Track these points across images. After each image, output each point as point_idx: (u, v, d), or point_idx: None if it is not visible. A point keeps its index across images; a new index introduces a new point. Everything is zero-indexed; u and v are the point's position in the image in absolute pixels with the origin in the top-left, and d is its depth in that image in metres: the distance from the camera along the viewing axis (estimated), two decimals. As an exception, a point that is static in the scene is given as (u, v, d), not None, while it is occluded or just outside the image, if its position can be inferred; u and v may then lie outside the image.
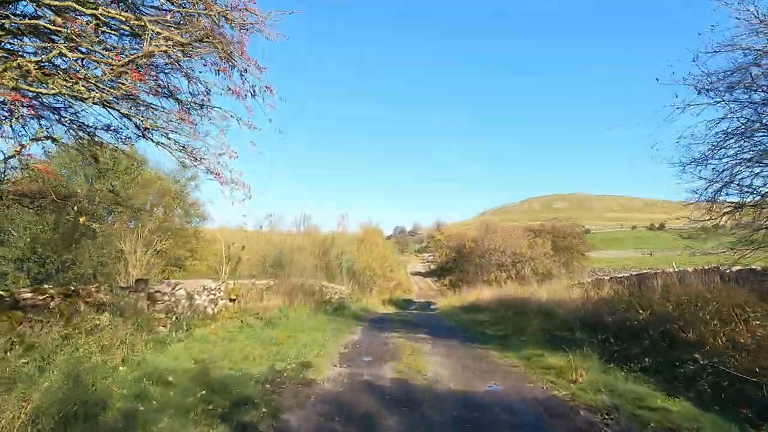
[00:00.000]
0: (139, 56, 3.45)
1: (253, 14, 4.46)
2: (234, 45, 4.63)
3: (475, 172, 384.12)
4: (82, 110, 4.76)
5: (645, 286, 10.10)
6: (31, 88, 3.29)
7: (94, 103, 3.67)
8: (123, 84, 3.38)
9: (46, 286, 6.17)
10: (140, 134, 4.95)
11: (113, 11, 3.54)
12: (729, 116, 7.27)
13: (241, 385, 5.65)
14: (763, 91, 6.90)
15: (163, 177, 19.83)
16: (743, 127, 7.18)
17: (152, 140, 4.86)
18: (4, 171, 5.03)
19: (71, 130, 5.35)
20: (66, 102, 4.62)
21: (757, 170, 7.02)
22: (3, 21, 3.35)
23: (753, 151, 7.16)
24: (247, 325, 10.11)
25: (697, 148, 7.50)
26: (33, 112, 4.09)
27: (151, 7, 4.28)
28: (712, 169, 7.33)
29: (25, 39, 3.58)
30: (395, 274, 49.74)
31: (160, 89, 4.79)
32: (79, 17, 3.36)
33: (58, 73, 3.35)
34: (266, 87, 5.00)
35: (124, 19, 3.59)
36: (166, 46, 3.57)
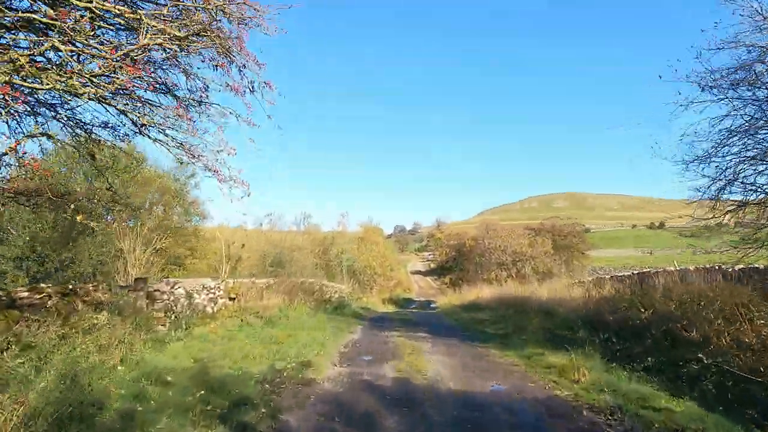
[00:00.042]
0: (134, 49, 3.38)
1: (252, 8, 4.40)
2: (232, 40, 4.56)
3: (475, 172, 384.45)
4: (78, 106, 4.70)
5: (646, 285, 10.05)
6: (25, 83, 3.23)
7: (89, 99, 3.61)
8: (118, 78, 3.30)
9: (43, 285, 6.12)
10: (137, 131, 4.88)
11: (108, 4, 3.47)
12: (732, 114, 7.22)
13: (241, 384, 5.60)
14: (767, 88, 6.83)
15: (163, 175, 19.78)
16: (747, 124, 7.12)
17: (149, 137, 4.79)
18: (-1, 168, 4.97)
19: (68, 128, 5.29)
20: (62, 98, 4.56)
21: (761, 168, 6.95)
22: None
23: (757, 148, 7.10)
24: (246, 323, 10.05)
25: (700, 145, 7.44)
26: (27, 108, 4.03)
27: (148, 1, 4.21)
28: (716, 166, 7.26)
29: (20, 34, 3.51)
30: (395, 273, 49.73)
31: (157, 86, 4.72)
32: (73, 11, 3.29)
33: (52, 68, 3.28)
34: (265, 83, 4.94)
35: (119, 12, 3.52)
36: (162, 39, 3.50)
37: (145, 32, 3.30)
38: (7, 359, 4.37)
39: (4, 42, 3.46)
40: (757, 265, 8.24)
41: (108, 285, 7.56)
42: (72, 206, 5.78)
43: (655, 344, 7.18)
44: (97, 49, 3.38)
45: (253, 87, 4.90)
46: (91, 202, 10.96)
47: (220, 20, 4.24)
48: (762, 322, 5.90)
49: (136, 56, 3.55)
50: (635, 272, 12.60)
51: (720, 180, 7.35)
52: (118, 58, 3.28)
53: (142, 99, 4.59)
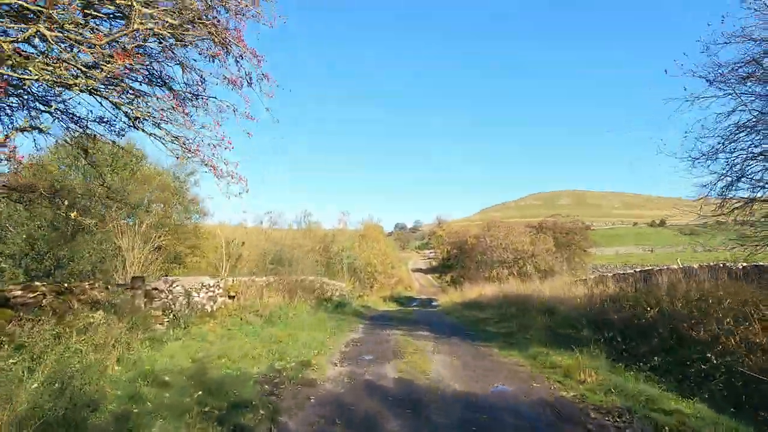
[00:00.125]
0: (123, 33, 3.22)
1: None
2: (230, 31, 4.42)
3: (475, 174, 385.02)
4: (70, 98, 4.56)
5: (650, 283, 9.92)
6: (14, 74, 3.09)
7: (81, 91, 3.47)
8: (106, 66, 3.16)
9: (37, 283, 5.98)
10: (131, 124, 4.74)
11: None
12: (740, 109, 7.09)
13: (239, 385, 5.48)
14: (776, 83, 6.70)
15: (162, 172, 19.68)
16: (754, 119, 7.00)
17: (143, 131, 4.64)
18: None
19: (62, 122, 5.15)
20: (54, 91, 4.42)
21: (769, 164, 6.82)
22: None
23: (765, 144, 6.98)
24: (246, 322, 9.94)
25: (706, 142, 7.31)
26: (19, 101, 3.89)
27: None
28: (725, 161, 7.13)
29: (8, 21, 3.36)
30: (396, 271, 49.59)
31: (153, 78, 4.59)
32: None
33: (38, 56, 3.15)
34: (263, 74, 4.80)
35: (110, -4, 3.38)
36: (153, 24, 3.35)
37: (135, 18, 3.16)
38: (-2, 360, 4.25)
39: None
40: (761, 264, 8.12)
41: (105, 283, 7.44)
42: (66, 203, 5.64)
43: (662, 343, 7.05)
44: (83, 35, 3.24)
45: (251, 79, 4.77)
46: (87, 198, 10.84)
47: (216, 8, 4.09)
48: (773, 321, 5.77)
49: (127, 44, 3.41)
50: (638, 270, 12.47)
51: (727, 176, 7.23)
52: (107, 45, 3.14)
53: (136, 91, 4.45)
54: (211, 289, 10.57)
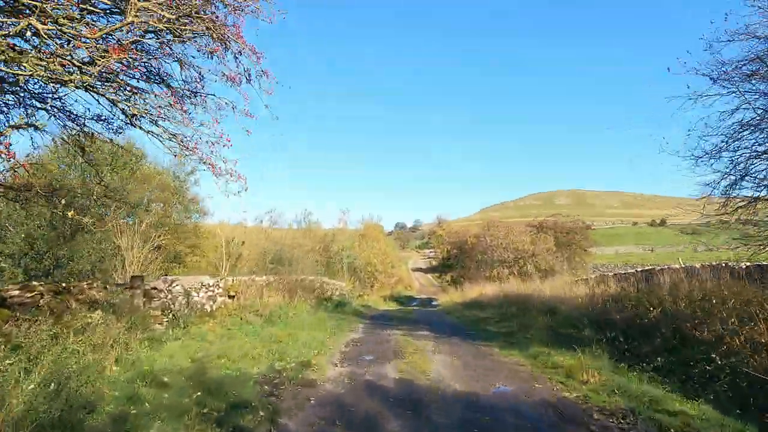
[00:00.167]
0: (118, 27, 3.17)
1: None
2: (229, 28, 4.35)
3: (475, 171, 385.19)
4: (66, 95, 4.49)
5: (652, 283, 9.87)
6: (8, 70, 3.03)
7: (76, 87, 3.41)
8: (100, 60, 3.10)
9: (35, 283, 5.93)
10: (128, 121, 4.68)
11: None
12: (743, 107, 7.04)
13: (239, 385, 5.42)
14: (780, 80, 6.64)
15: (162, 172, 19.61)
16: (758, 118, 6.94)
17: (141, 128, 4.58)
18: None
19: (59, 120, 5.09)
20: (51, 89, 4.36)
21: (773, 163, 6.76)
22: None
23: (769, 143, 6.92)
24: (246, 322, 9.89)
25: (709, 140, 7.26)
26: (15, 98, 3.83)
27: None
28: (729, 159, 7.08)
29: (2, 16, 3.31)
30: (396, 270, 49.52)
31: (150, 75, 4.53)
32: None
33: (31, 50, 3.08)
34: (262, 71, 4.75)
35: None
36: (148, 16, 3.29)
37: (131, 10, 3.10)
38: (-6, 361, 4.19)
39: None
40: (766, 263, 8.05)
41: (103, 283, 7.38)
42: (63, 201, 5.58)
43: (665, 344, 6.99)
44: (76, 28, 3.17)
45: (249, 76, 4.71)
46: (85, 197, 10.77)
47: (214, 3, 4.03)
48: (778, 321, 5.70)
49: (123, 39, 3.35)
50: (639, 270, 12.41)
51: (731, 175, 7.18)
52: (101, 39, 3.08)
53: (133, 87, 4.39)
54: (211, 288, 10.51)
